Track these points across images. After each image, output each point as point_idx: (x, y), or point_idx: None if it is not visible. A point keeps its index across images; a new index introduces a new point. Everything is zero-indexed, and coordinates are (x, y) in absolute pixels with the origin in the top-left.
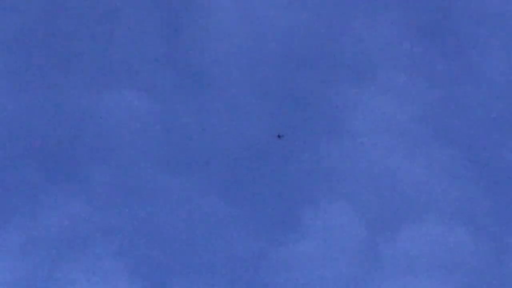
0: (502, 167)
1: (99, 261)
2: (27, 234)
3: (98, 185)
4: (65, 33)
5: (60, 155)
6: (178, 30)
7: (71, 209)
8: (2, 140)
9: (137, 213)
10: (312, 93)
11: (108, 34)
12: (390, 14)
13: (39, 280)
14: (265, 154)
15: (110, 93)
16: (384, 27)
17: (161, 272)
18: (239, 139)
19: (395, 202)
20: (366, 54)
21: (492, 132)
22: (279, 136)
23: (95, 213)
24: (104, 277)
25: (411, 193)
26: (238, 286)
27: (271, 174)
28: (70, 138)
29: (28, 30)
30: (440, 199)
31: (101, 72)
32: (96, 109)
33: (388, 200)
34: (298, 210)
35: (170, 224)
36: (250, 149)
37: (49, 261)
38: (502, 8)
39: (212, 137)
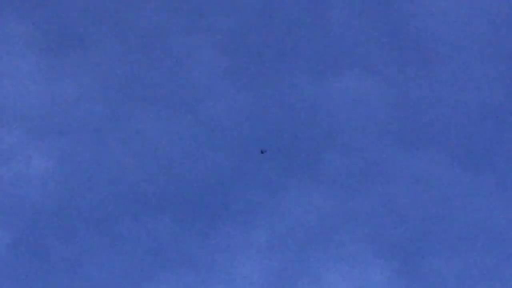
0: None
1: (347, 248)
2: (272, 230)
3: (336, 172)
4: (281, 27)
5: (294, 148)
6: (391, 9)
7: (313, 200)
8: (239, 141)
9: (378, 195)
10: None
11: (324, 21)
12: None
13: (289, 273)
14: (500, 117)
15: (334, 79)
16: None
17: (411, 252)
18: (471, 106)
19: None
20: None
21: None
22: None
23: (337, 200)
24: (354, 263)
25: None
26: (497, 255)
27: (509, 137)
28: (301, 130)
29: (245, 29)
30: None
31: (323, 60)
32: (322, 97)
33: None
34: None
35: (413, 202)
36: (485, 115)
37: (297, 254)
38: None
39: (444, 108)
